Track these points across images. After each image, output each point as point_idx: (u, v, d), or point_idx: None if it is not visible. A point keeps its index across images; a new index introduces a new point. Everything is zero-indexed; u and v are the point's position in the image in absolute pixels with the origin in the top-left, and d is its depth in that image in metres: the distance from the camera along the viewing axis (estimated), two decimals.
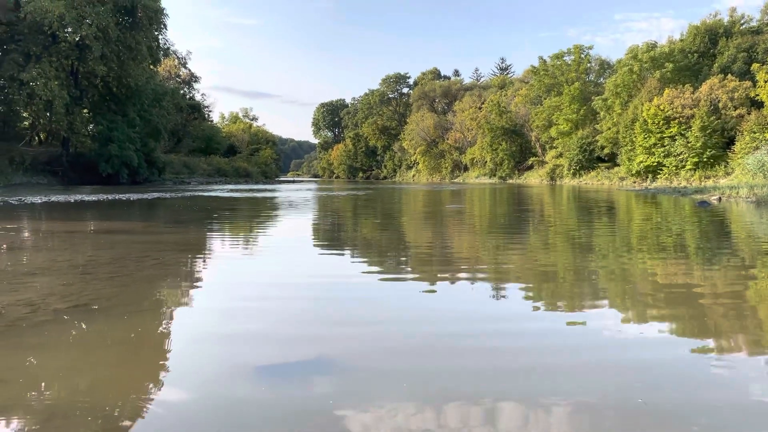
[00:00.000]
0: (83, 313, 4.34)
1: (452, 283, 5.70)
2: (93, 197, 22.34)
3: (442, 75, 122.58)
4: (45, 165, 41.89)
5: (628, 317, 4.41)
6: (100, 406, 2.73)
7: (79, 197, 22.06)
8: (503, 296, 5.08)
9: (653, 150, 41.83)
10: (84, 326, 4.03)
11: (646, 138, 42.29)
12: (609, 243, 8.98)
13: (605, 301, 4.93)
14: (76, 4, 39.78)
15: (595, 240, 9.37)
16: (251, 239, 9.77)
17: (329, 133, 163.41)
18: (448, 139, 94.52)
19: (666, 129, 41.00)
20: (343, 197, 26.97)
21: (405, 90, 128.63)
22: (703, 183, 34.35)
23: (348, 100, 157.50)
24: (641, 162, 42.86)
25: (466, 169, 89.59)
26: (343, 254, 8.01)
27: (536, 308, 4.68)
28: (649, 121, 42.03)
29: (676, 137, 40.06)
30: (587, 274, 6.19)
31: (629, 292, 5.27)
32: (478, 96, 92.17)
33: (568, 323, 4.20)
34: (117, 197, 22.50)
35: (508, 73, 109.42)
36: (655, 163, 41.81)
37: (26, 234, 10.11)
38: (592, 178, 52.50)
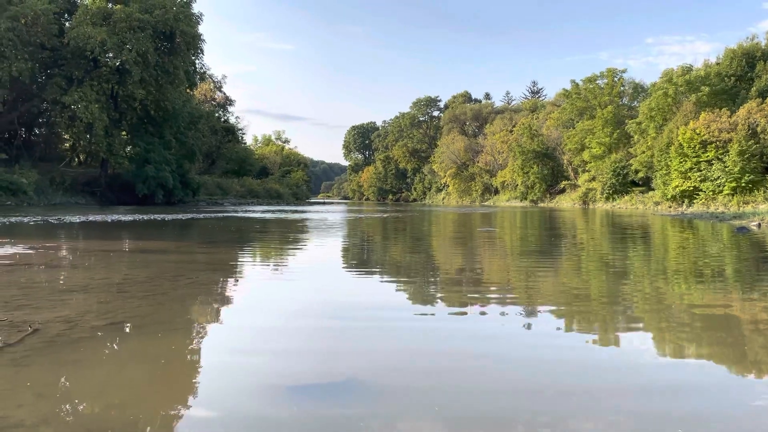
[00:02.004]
0: (119, 330, 4.42)
1: (483, 305, 5.65)
2: (129, 217, 22.84)
3: (473, 98, 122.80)
4: (84, 185, 43.09)
5: (664, 343, 4.30)
6: (133, 423, 2.77)
7: (115, 217, 22.59)
8: (534, 319, 5.01)
9: (689, 174, 41.02)
10: (119, 343, 4.11)
11: (681, 162, 41.52)
12: (643, 268, 8.80)
13: (640, 326, 4.83)
14: (118, 30, 41.19)
15: (629, 265, 9.20)
16: (283, 260, 9.86)
17: (360, 156, 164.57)
18: (478, 162, 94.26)
19: (702, 153, 40.20)
20: (373, 219, 27.04)
21: (435, 113, 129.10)
22: (741, 208, 33.46)
23: (378, 123, 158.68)
24: (677, 186, 42.04)
25: (496, 192, 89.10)
26: (373, 276, 8.01)
27: (568, 331, 4.60)
28: (684, 145, 41.29)
29: (713, 162, 39.23)
30: (621, 299, 6.08)
31: (665, 318, 5.15)
32: (509, 119, 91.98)
33: (601, 346, 4.12)
34: (152, 217, 22.96)
35: (539, 97, 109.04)
36: (692, 188, 40.96)
37: (65, 252, 10.38)
38: (625, 202, 51.66)
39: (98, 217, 21.94)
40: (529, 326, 4.79)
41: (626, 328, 4.77)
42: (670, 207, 42.46)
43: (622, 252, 11.59)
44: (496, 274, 8.30)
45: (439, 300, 6.06)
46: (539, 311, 5.40)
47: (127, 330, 4.44)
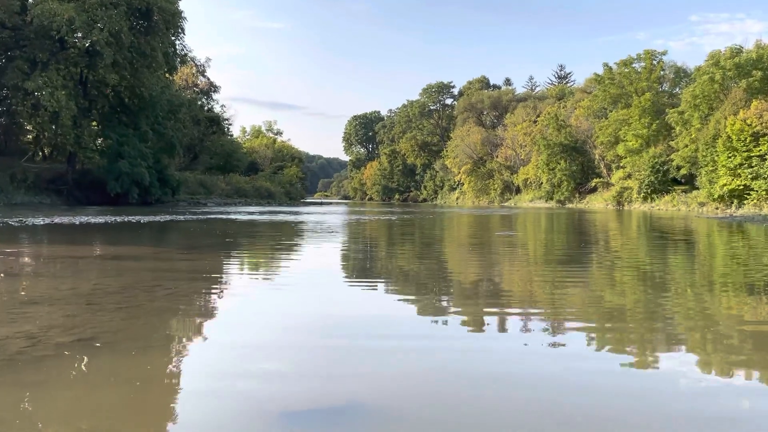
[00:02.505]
0: (87, 347, 4.44)
1: (501, 321, 5.64)
2: (100, 219, 22.93)
3: (491, 84, 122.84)
4: (49, 183, 43.25)
5: (711, 366, 4.28)
6: None
7: (84, 219, 22.67)
8: (560, 338, 5.00)
9: (739, 171, 40.90)
10: (88, 362, 4.12)
11: (730, 157, 41.42)
12: (686, 280, 8.78)
13: (682, 347, 4.81)
14: (87, 6, 41.30)
15: (670, 276, 9.18)
16: (274, 269, 9.87)
17: (362, 150, 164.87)
18: (497, 157, 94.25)
19: (754, 147, 40.09)
20: (376, 222, 27.05)
21: (448, 101, 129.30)
22: None
23: (383, 113, 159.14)
24: (724, 185, 41.93)
25: (518, 191, 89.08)
26: (376, 288, 8.02)
27: (599, 351, 4.59)
28: (733, 137, 41.18)
29: (767, 156, 39.11)
30: (661, 315, 6.06)
31: (711, 336, 5.13)
32: (532, 108, 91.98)
33: (638, 369, 4.11)
34: (126, 219, 23.04)
35: (567, 82, 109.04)
36: (741, 187, 40.84)
37: (26, 259, 10.42)
38: (666, 203, 51.56)
39: (65, 219, 22.04)
40: (554, 346, 4.78)
41: (667, 350, 4.76)
42: (716, 209, 42.36)
43: (661, 261, 11.55)
44: (517, 285, 8.29)
45: (452, 315, 6.06)
46: (566, 329, 5.39)
47: (97, 347, 4.45)
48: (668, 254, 12.90)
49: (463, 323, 5.62)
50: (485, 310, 6.27)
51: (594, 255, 12.71)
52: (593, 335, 5.16)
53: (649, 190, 54.54)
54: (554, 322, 5.60)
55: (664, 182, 53.71)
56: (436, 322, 5.69)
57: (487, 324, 5.58)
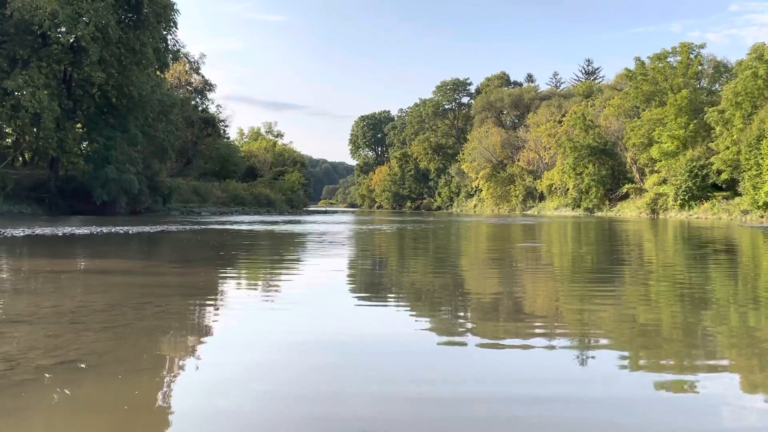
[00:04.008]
0: (71, 370, 4.45)
1: (524, 341, 5.62)
2: (85, 230, 23.05)
3: (512, 81, 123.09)
4: (30, 190, 43.49)
5: (758, 387, 4.25)
6: None
7: (68, 230, 22.80)
8: (590, 359, 4.97)
9: None
10: (72, 387, 4.13)
11: None
12: (729, 296, 8.72)
13: (724, 368, 4.77)
14: None
15: (712, 292, 9.12)
16: (274, 284, 9.88)
17: (370, 153, 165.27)
18: (519, 161, 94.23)
19: None
20: (386, 233, 27.06)
21: (465, 99, 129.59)
22: None
23: (394, 113, 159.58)
24: None
25: (541, 198, 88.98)
26: (386, 304, 8.01)
27: (632, 373, 4.56)
28: None
29: None
30: (701, 334, 6.02)
31: (756, 357, 5.09)
32: (557, 107, 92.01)
33: (675, 393, 4.08)
34: (113, 230, 23.14)
35: (595, 79, 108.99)
36: None
37: (4, 274, 10.48)
38: (705, 210, 51.32)
39: (47, 230, 22.17)
40: (583, 364, 4.75)
41: (708, 372, 4.72)
42: (762, 217, 42.09)
43: (701, 275, 11.49)
44: (541, 302, 8.26)
45: (468, 334, 6.04)
46: (595, 349, 5.36)
47: (82, 370, 4.47)
48: (709, 268, 12.83)
49: (481, 344, 5.60)
50: (504, 329, 6.25)
51: (627, 269, 12.65)
52: (626, 358, 5.13)
53: (686, 197, 54.30)
54: (582, 343, 5.57)
55: (703, 188, 53.46)
56: (452, 342, 5.67)
57: (507, 344, 5.55)
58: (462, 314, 7.25)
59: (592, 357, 5.11)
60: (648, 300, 8.33)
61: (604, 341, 5.68)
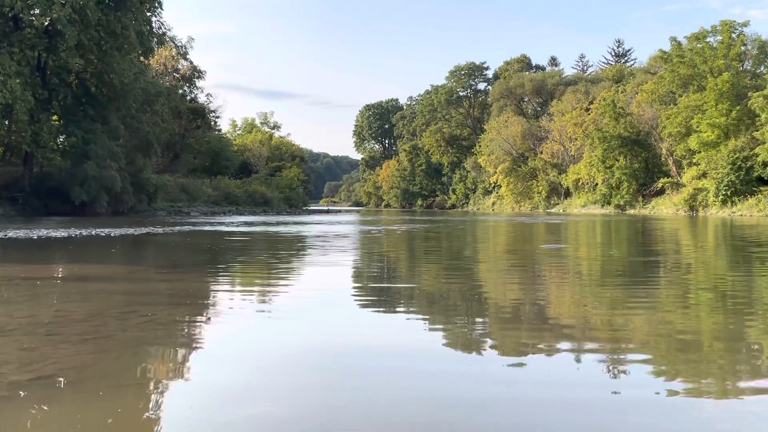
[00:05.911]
0: (48, 387, 4.47)
1: (548, 355, 5.61)
2: (62, 232, 23.12)
3: (534, 65, 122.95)
4: (1, 189, 43.64)
5: None
6: None
7: (44, 233, 22.88)
8: (622, 372, 4.96)
9: None
10: (49, 405, 4.14)
11: None
12: None
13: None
14: None
15: (757, 297, 9.10)
16: (270, 291, 9.89)
17: (377, 146, 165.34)
18: (541, 153, 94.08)
19: None
20: (395, 234, 27.06)
21: (482, 86, 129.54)
22: None
23: (402, 101, 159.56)
24: None
25: (567, 194, 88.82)
26: (395, 314, 8.00)
27: (671, 388, 4.55)
28: None
29: None
30: (744, 344, 6.00)
31: None
32: (584, 93, 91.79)
33: (716, 408, 4.07)
34: (94, 232, 23.21)
35: (626, 61, 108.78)
36: None
37: None
38: (750, 207, 51.12)
39: (21, 233, 22.25)
40: (614, 376, 4.75)
41: (750, 387, 4.71)
42: None
43: (745, 280, 11.45)
44: (567, 308, 8.24)
45: (485, 346, 6.04)
46: (627, 362, 5.35)
47: (60, 387, 4.49)
48: (753, 271, 12.79)
49: (500, 359, 5.59)
50: (524, 340, 6.24)
51: (662, 272, 12.62)
52: (661, 373, 5.12)
53: (728, 192, 54.05)
54: (612, 355, 5.56)
55: (748, 182, 53.20)
56: (467, 357, 5.67)
57: (531, 355, 5.55)
58: (480, 322, 7.23)
59: (624, 371, 5.09)
60: (686, 306, 8.30)
61: (635, 353, 5.67)
